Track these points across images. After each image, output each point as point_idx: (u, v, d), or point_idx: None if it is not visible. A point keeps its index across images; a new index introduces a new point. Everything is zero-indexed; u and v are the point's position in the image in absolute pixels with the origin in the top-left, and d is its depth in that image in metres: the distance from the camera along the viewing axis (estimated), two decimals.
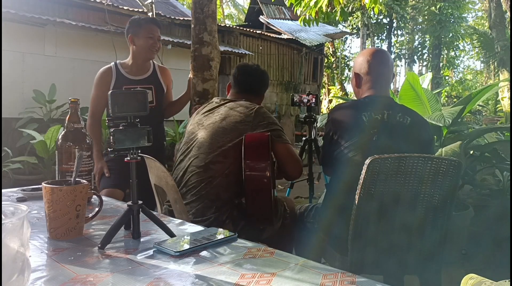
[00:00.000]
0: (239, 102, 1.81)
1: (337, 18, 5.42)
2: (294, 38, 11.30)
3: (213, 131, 1.73)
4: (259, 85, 1.95)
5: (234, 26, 12.26)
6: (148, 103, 1.04)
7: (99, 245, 0.91)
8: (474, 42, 13.50)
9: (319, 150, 2.65)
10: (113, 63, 2.40)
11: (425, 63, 19.92)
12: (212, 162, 1.68)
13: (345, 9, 5.48)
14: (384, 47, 19.22)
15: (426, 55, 19.26)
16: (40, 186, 1.03)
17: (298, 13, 5.46)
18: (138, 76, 2.38)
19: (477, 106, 9.90)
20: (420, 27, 19.67)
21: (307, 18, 5.31)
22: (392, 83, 1.84)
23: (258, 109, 1.75)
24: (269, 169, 1.58)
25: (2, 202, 0.64)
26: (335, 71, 17.50)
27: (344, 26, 17.49)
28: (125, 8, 7.27)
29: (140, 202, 0.98)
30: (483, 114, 11.54)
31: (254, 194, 1.60)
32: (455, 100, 15.91)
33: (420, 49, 19.35)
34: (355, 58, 1.83)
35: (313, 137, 2.79)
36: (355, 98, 1.86)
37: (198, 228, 1.08)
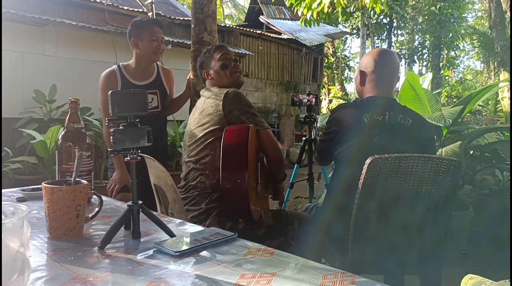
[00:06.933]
0: (211, 89, 1.83)
1: (339, 18, 5.42)
2: (294, 38, 11.28)
3: (192, 128, 1.76)
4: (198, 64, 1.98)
5: (234, 26, 12.26)
6: (149, 104, 1.04)
7: (99, 245, 0.91)
8: (474, 42, 13.48)
9: None
10: (115, 66, 2.33)
11: (425, 63, 19.88)
12: (203, 156, 1.69)
13: (347, 10, 5.46)
14: (384, 47, 19.20)
15: (426, 55, 19.22)
16: (40, 186, 1.03)
17: (299, 13, 5.46)
18: (143, 81, 2.32)
19: (477, 106, 9.89)
20: (420, 27, 19.64)
21: (308, 18, 5.31)
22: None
23: (225, 96, 1.72)
24: (247, 178, 1.54)
25: (2, 202, 0.64)
26: (335, 71, 17.50)
27: (344, 26, 17.46)
28: (125, 8, 7.26)
29: (140, 202, 0.98)
30: (483, 114, 11.55)
31: (231, 199, 1.58)
32: (455, 100, 15.91)
33: (420, 49, 19.31)
34: (363, 56, 1.83)
35: (313, 137, 2.79)
36: (357, 97, 1.86)
37: (198, 228, 1.08)
